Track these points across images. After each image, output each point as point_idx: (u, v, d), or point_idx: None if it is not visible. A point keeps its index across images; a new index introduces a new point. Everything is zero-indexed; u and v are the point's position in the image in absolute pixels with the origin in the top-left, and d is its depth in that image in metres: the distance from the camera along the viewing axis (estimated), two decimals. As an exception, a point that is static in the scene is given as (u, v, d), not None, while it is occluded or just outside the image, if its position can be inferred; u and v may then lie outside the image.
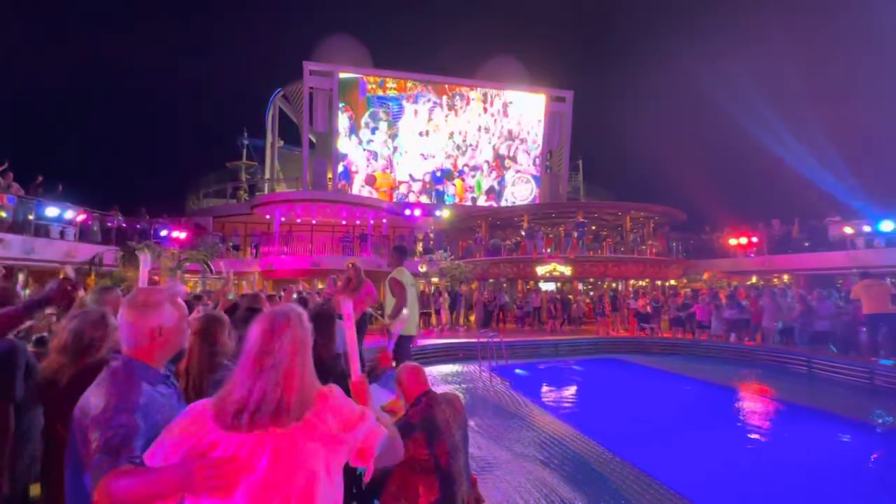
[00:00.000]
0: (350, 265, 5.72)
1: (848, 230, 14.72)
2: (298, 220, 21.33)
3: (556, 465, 4.29)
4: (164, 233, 14.31)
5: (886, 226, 13.79)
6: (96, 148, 40.29)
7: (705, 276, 17.91)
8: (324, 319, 2.60)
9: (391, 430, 1.25)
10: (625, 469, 4.18)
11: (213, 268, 11.63)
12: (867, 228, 14.32)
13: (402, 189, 23.04)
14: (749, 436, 5.64)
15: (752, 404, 7.15)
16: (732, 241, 18.51)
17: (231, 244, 19.07)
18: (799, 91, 32.85)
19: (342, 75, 21.77)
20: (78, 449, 1.23)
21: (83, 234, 13.10)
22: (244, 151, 26.79)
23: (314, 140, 23.92)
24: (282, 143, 25.87)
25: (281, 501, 1.03)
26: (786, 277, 17.30)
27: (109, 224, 14.77)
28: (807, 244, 16.30)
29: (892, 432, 5.59)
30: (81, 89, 40.36)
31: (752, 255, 17.61)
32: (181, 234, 15.07)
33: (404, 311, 4.01)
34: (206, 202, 24.47)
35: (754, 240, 17.69)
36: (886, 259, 13.44)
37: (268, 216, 20.22)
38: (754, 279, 17.54)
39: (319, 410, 1.10)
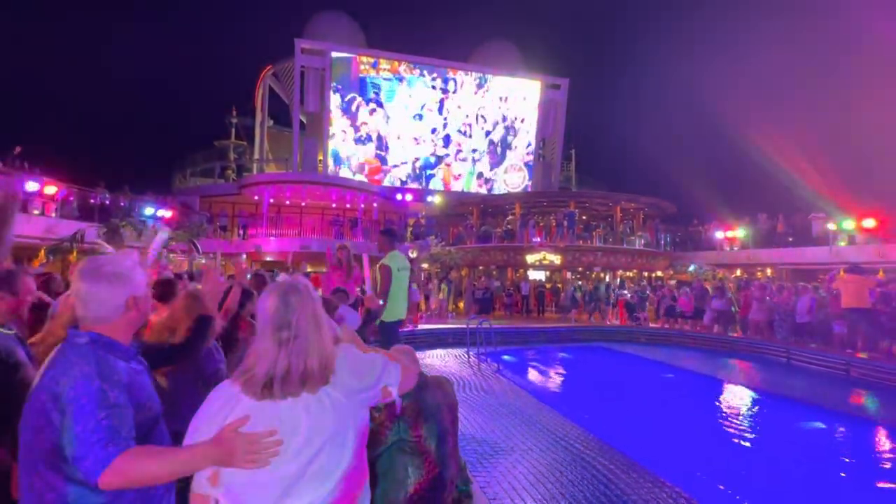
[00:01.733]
0: (340, 247, 5.67)
1: (831, 226, 15.00)
2: (287, 202, 21.06)
3: (543, 450, 4.34)
4: (149, 211, 13.98)
5: (868, 223, 14.09)
6: (79, 123, 39.09)
7: (691, 268, 18.18)
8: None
9: (402, 359, 1.34)
10: (610, 454, 4.24)
11: (200, 248, 11.43)
12: (850, 225, 14.61)
13: (396, 173, 22.80)
14: (729, 423, 5.78)
15: (733, 393, 7.33)
16: (719, 235, 18.78)
17: (218, 224, 18.76)
18: (789, 88, 33.09)
19: (335, 55, 21.27)
20: (38, 441, 1.07)
21: (64, 210, 12.75)
22: (233, 130, 26.21)
23: (305, 120, 23.46)
24: (272, 122, 25.33)
25: (322, 457, 1.10)
26: (769, 271, 17.65)
27: (92, 201, 14.39)
28: (791, 239, 16.60)
29: (862, 421, 5.77)
30: (66, 64, 38.92)
31: (738, 248, 17.89)
32: (167, 213, 14.75)
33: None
34: (192, 181, 23.95)
35: (740, 233, 17.97)
36: (866, 255, 13.76)
37: (256, 197, 19.89)
38: (739, 272, 17.85)
39: (341, 370, 1.18)
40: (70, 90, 39.92)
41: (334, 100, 21.59)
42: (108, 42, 38.97)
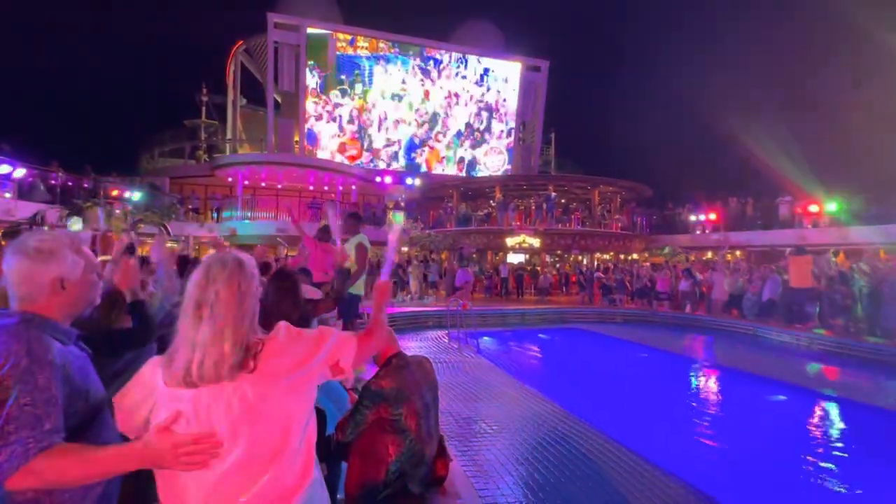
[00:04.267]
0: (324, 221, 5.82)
1: (798, 209, 15.60)
2: (263, 184, 20.48)
3: (522, 429, 4.44)
4: (114, 192, 13.37)
5: (831, 206, 14.71)
6: (36, 99, 36.78)
7: (665, 250, 18.66)
8: (281, 279, 2.50)
9: (362, 331, 1.29)
10: (588, 432, 4.37)
11: (170, 230, 11.05)
12: (814, 208, 15.22)
13: (383, 155, 22.41)
14: (699, 398, 6.04)
15: (703, 370, 7.64)
16: (692, 218, 19.29)
17: (190, 207, 18.14)
18: (761, 75, 33.85)
19: (310, 30, 20.51)
20: None
21: (23, 191, 12.06)
22: (203, 109, 25.16)
23: (279, 100, 22.69)
24: (244, 101, 24.41)
25: (246, 452, 1.02)
26: (738, 253, 18.28)
27: (53, 181, 13.65)
28: (760, 222, 17.20)
29: (816, 393, 6.12)
30: (21, 37, 36.32)
31: (711, 231, 18.43)
32: (134, 195, 14.15)
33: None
34: (161, 161, 23.01)
35: (712, 217, 18.49)
36: (830, 237, 14.40)
37: (230, 179, 19.28)
38: (710, 254, 18.43)
39: (269, 355, 1.06)
40: (25, 63, 37.41)
41: (310, 78, 20.90)
42: (67, 12, 36.50)
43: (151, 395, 1.06)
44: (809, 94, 31.96)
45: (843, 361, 7.58)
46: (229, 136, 23.41)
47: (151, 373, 1.09)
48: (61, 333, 1.14)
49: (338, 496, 2.45)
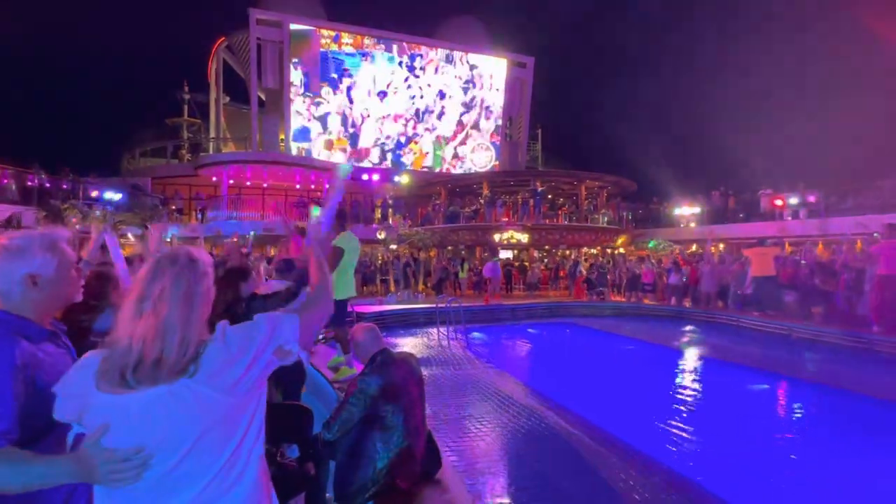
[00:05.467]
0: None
1: (778, 202, 15.94)
2: (248, 183, 20.22)
3: (513, 424, 4.48)
4: (94, 193, 13.08)
5: (811, 198, 15.07)
6: (11, 98, 35.66)
7: (651, 244, 18.93)
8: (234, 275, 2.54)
9: (303, 302, 1.23)
10: (573, 422, 4.43)
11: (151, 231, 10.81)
12: (794, 201, 15.57)
13: (366, 153, 22.26)
14: (689, 389, 6.15)
15: (691, 360, 7.78)
16: (677, 211, 19.59)
17: (174, 207, 17.83)
18: (743, 71, 34.44)
19: (293, 27, 20.25)
20: None
21: (-2, 193, 11.74)
22: (185, 107, 24.67)
23: (263, 97, 22.37)
24: (227, 99, 23.99)
25: (188, 461, 0.95)
26: (721, 245, 18.62)
27: (30, 183, 13.30)
28: (742, 215, 17.54)
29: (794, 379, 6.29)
30: (-15, 27, 35.12)
31: (694, 224, 18.75)
32: (115, 196, 13.85)
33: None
34: (143, 161, 22.52)
35: (696, 210, 18.81)
36: (809, 229, 14.75)
37: (214, 178, 19.00)
38: (694, 247, 18.75)
39: (210, 356, 0.99)
40: (1, 62, 36.31)
41: (295, 75, 20.65)
42: (44, 9, 35.41)
43: (84, 396, 0.98)
44: (788, 90, 32.65)
45: (822, 349, 7.78)
46: (213, 134, 23.03)
47: (85, 371, 1.00)
48: (31, 331, 1.13)
49: (327, 494, 2.45)
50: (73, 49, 38.29)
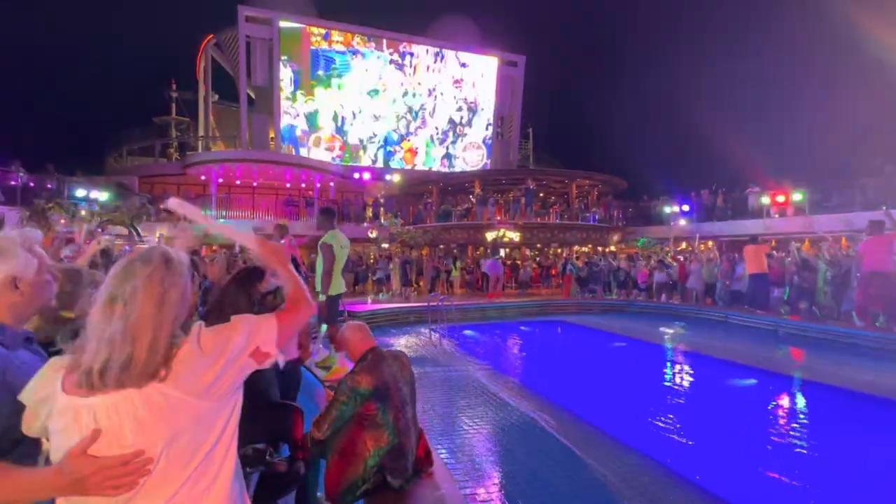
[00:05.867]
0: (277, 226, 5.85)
1: (764, 200, 16.16)
2: (238, 182, 20.02)
3: (502, 419, 4.49)
4: (80, 193, 12.85)
5: (797, 196, 15.30)
6: (-8, 95, 34.88)
7: (640, 242, 19.11)
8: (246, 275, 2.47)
9: (282, 308, 1.17)
10: (565, 419, 4.46)
11: (140, 231, 10.69)
12: (780, 198, 15.79)
13: (358, 151, 22.15)
14: (678, 385, 6.22)
15: (676, 356, 7.87)
16: (666, 210, 19.78)
17: (162, 207, 17.58)
18: (733, 71, 34.87)
19: (283, 24, 20.08)
20: None
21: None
22: (173, 105, 24.35)
23: (253, 95, 22.16)
24: (216, 97, 23.74)
25: (159, 467, 0.93)
26: (710, 243, 18.84)
27: (13, 182, 13.03)
28: (730, 213, 17.75)
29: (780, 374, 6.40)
30: (-36, 23, 34.29)
31: (684, 222, 18.94)
32: (101, 195, 13.62)
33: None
34: (130, 160, 22.19)
35: (685, 208, 18.99)
36: (795, 227, 14.98)
37: (203, 177, 18.79)
38: (684, 245, 18.95)
39: (183, 359, 0.96)
40: (-23, 58, 35.44)
41: (284, 73, 20.48)
42: (26, 2, 34.64)
43: (50, 398, 0.93)
44: (778, 91, 33.13)
45: (807, 344, 7.92)
46: (201, 133, 22.77)
47: (51, 373, 0.96)
48: (7, 337, 1.09)
49: (318, 493, 2.44)
50: (58, 45, 37.60)
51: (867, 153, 19.24)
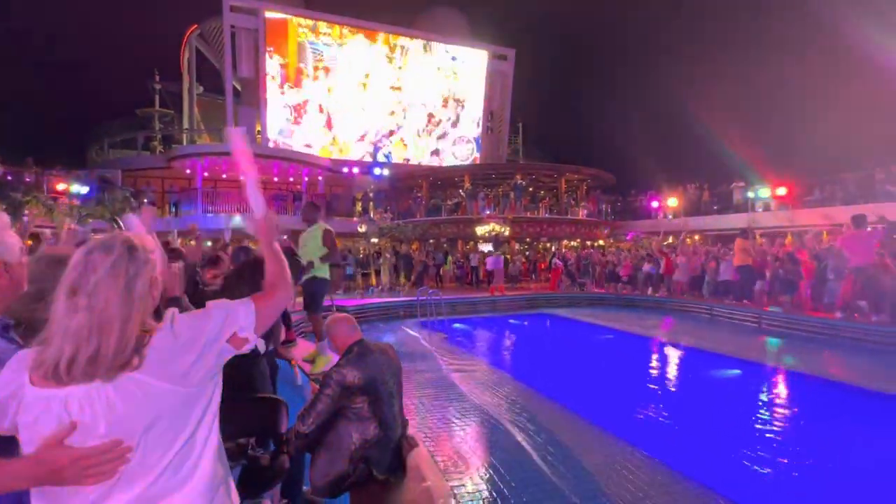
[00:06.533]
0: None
1: (749, 194, 16.43)
2: (224, 176, 19.69)
3: (490, 411, 4.52)
4: (60, 186, 12.53)
5: (780, 191, 15.57)
6: (-36, 85, 33.68)
7: (628, 236, 19.31)
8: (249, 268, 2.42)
9: (259, 293, 1.14)
10: (552, 410, 4.50)
11: (123, 226, 10.43)
12: (765, 193, 16.07)
13: (348, 146, 21.94)
14: (665, 376, 6.32)
15: (663, 348, 7.99)
16: (654, 204, 20.01)
17: (146, 200, 17.23)
18: (719, 67, 35.24)
19: (269, 14, 19.72)
20: None
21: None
22: (156, 97, 23.83)
23: (239, 87, 21.78)
24: (201, 89, 23.27)
25: (136, 455, 0.91)
26: (697, 237, 19.11)
27: (-11, 175, 12.66)
28: (715, 207, 18.03)
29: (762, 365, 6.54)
30: (-64, 10, 33.02)
31: (670, 216, 19.19)
32: (82, 189, 13.31)
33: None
34: (112, 153, 21.66)
35: (673, 203, 19.23)
36: (778, 221, 15.27)
37: (188, 171, 18.44)
38: (671, 239, 19.19)
39: (157, 347, 0.94)
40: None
41: (271, 65, 20.15)
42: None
43: (17, 392, 0.91)
44: (762, 88, 33.60)
45: (790, 336, 8.10)
46: (186, 125, 22.33)
47: (18, 368, 0.93)
48: None
49: (303, 487, 2.43)
50: (37, 35, 36.45)
51: (850, 150, 19.65)
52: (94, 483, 0.88)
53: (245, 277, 2.46)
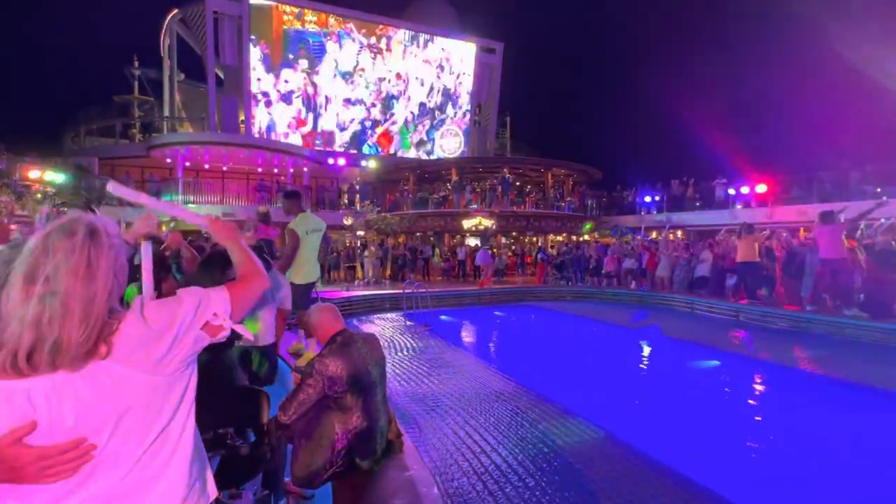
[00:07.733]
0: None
1: (731, 191, 16.77)
2: (207, 166, 19.30)
3: (475, 402, 4.55)
4: (33, 174, 12.11)
5: (760, 188, 15.93)
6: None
7: (613, 231, 19.53)
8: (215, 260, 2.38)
9: (236, 281, 1.16)
10: (536, 401, 4.55)
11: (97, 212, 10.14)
12: (745, 190, 16.42)
13: (331, 137, 21.66)
14: (644, 366, 6.44)
15: (646, 340, 8.14)
16: (639, 199, 20.27)
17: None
18: (704, 66, 35.73)
19: (253, 0, 19.25)
20: None
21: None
22: (135, 84, 23.09)
23: (221, 75, 21.27)
24: (182, 76, 22.64)
25: (109, 446, 0.89)
26: (679, 232, 19.45)
27: (-43, 162, 12.15)
28: (698, 203, 18.35)
29: (741, 358, 6.72)
30: None
31: (655, 212, 19.46)
32: (57, 177, 12.88)
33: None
34: (88, 141, 20.97)
35: (656, 198, 19.51)
36: (758, 217, 15.61)
37: (169, 160, 18.00)
38: (654, 234, 19.49)
39: (126, 335, 0.91)
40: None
41: (254, 53, 19.71)
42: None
43: None
44: (744, 89, 34.18)
45: (766, 329, 8.33)
46: (167, 113, 21.74)
47: None
48: None
49: (285, 478, 2.42)
50: (11, 18, 34.93)
51: (827, 150, 20.17)
52: (54, 482, 0.85)
53: (216, 266, 2.41)
